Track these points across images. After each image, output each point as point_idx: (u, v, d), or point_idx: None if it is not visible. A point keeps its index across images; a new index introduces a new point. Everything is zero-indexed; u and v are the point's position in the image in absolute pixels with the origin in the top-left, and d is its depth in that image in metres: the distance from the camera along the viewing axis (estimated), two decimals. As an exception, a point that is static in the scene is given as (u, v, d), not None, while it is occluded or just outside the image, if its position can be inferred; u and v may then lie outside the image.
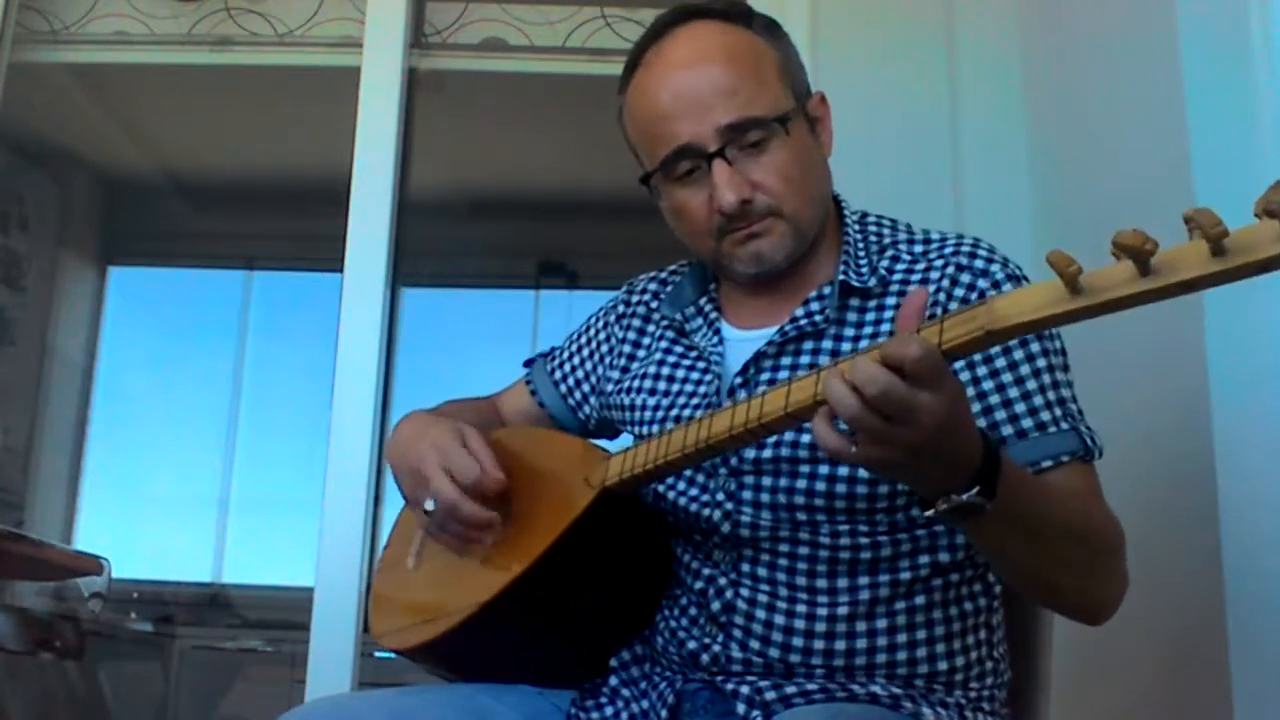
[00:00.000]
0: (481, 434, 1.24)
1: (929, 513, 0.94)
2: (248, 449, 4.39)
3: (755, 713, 1.12)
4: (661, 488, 1.23)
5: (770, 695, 1.13)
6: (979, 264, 1.18)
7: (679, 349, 1.31)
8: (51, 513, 3.96)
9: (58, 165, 3.90)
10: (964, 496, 0.91)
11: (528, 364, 1.51)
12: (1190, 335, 1.48)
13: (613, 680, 1.23)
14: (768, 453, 1.16)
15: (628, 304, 1.42)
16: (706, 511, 1.19)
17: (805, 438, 1.14)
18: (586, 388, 1.43)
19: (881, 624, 1.15)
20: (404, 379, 3.06)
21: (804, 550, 1.16)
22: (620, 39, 2.76)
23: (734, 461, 1.18)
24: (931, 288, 1.17)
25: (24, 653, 3.01)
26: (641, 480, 1.17)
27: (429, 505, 1.20)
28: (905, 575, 1.15)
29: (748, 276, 1.24)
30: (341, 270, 2.45)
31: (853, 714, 1.09)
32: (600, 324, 1.44)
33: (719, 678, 1.16)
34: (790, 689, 1.13)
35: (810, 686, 1.13)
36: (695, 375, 1.28)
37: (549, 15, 2.80)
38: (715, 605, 1.18)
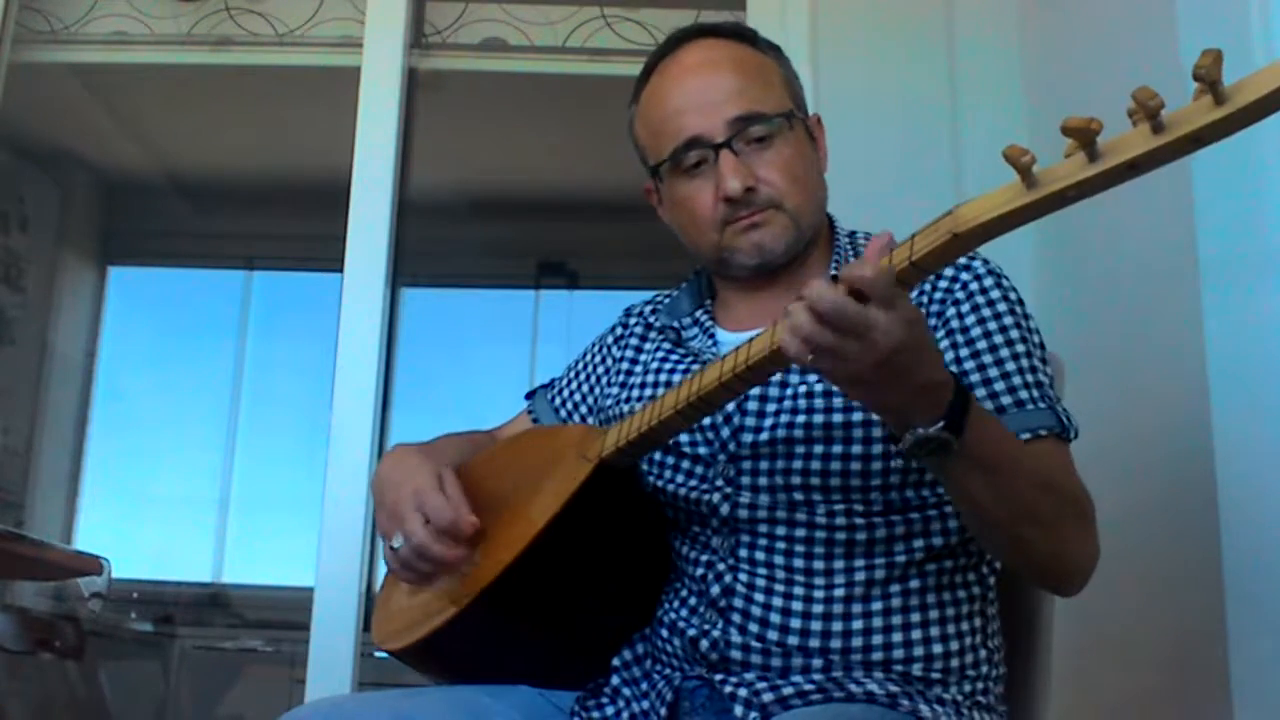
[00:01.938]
0: (457, 478, 1.25)
1: (897, 447, 0.99)
2: (248, 449, 4.38)
3: (753, 714, 1.12)
4: (660, 480, 1.25)
5: (768, 697, 1.13)
6: (960, 259, 1.22)
7: (675, 356, 1.35)
8: (51, 513, 3.96)
9: (58, 165, 3.90)
10: (930, 430, 0.96)
11: (529, 396, 1.54)
12: (1190, 335, 1.48)
13: (614, 680, 1.24)
14: (765, 436, 1.19)
15: (625, 326, 1.46)
16: (706, 497, 1.21)
17: (801, 418, 1.18)
18: (585, 409, 1.45)
19: (877, 606, 1.17)
20: (404, 379, 3.06)
21: (801, 532, 1.18)
22: (620, 39, 2.76)
23: (733, 448, 1.21)
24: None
25: (24, 653, 3.01)
26: (638, 446, 1.19)
27: (396, 543, 1.22)
28: (900, 558, 1.18)
29: (748, 270, 1.28)
30: (341, 270, 2.45)
31: (854, 714, 1.09)
32: (597, 349, 1.48)
33: (717, 677, 1.16)
34: (787, 690, 1.13)
35: (807, 686, 1.14)
36: (691, 377, 1.29)
37: (549, 15, 2.80)
38: (714, 590, 1.19)
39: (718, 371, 1.08)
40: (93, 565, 2.09)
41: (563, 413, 1.47)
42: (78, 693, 3.35)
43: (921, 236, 0.93)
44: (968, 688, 1.18)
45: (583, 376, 1.47)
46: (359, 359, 2.40)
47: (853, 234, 1.35)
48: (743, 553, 1.19)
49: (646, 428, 1.16)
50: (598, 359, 1.47)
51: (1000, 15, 2.35)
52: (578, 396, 1.47)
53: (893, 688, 1.14)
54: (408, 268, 2.70)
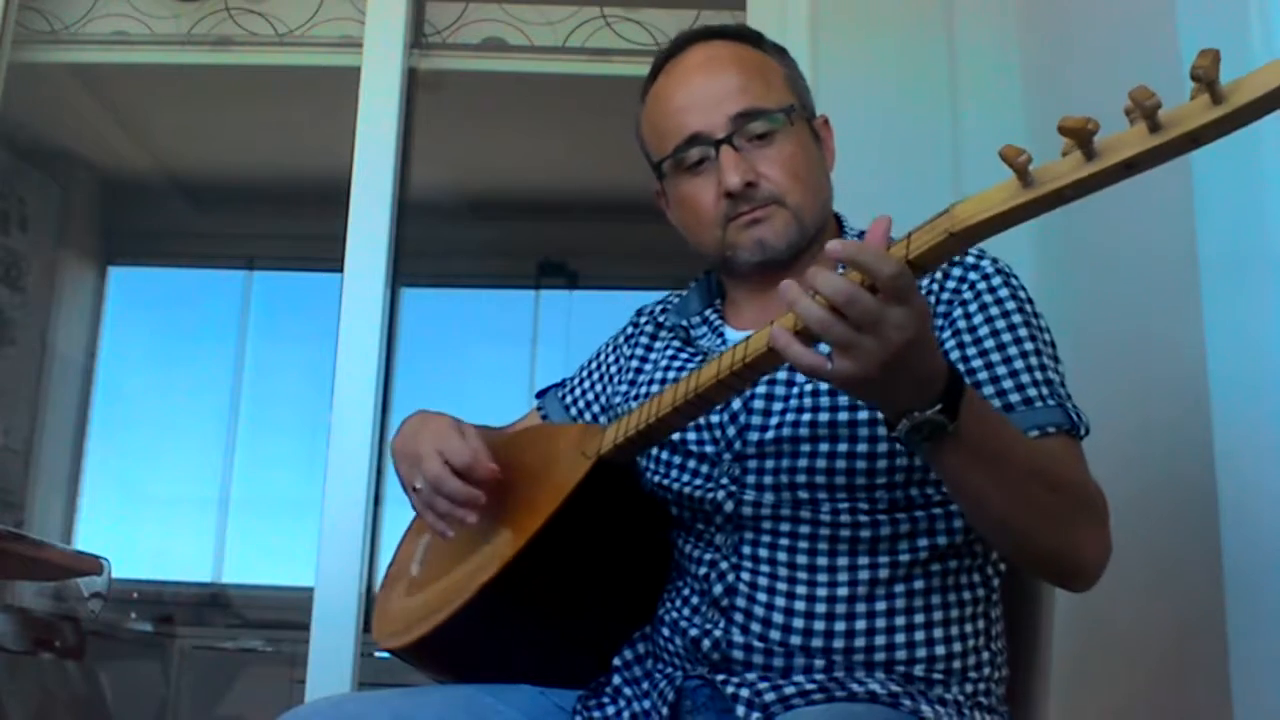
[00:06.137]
0: (479, 431, 1.27)
1: (892, 433, 0.98)
2: (248, 449, 4.38)
3: (755, 714, 1.12)
4: (665, 478, 1.25)
5: (770, 696, 1.13)
6: (969, 259, 1.24)
7: (685, 354, 1.35)
8: (51, 513, 3.96)
9: (58, 165, 3.90)
10: (926, 413, 0.96)
11: (540, 395, 1.54)
12: (1190, 334, 1.48)
13: (615, 679, 1.24)
14: (770, 434, 1.19)
15: (636, 325, 1.46)
16: (711, 495, 1.21)
17: (806, 416, 1.18)
18: (597, 408, 1.46)
19: (880, 606, 1.16)
20: (404, 379, 3.06)
21: (805, 529, 1.18)
22: (620, 39, 2.76)
23: (738, 446, 1.21)
24: (924, 282, 1.20)
25: (24, 653, 3.01)
26: (637, 442, 1.19)
27: (418, 483, 1.24)
28: (904, 557, 1.18)
29: (751, 266, 1.28)
30: (341, 270, 2.45)
31: (857, 714, 1.09)
32: (609, 349, 1.49)
33: (719, 677, 1.16)
34: (789, 689, 1.14)
35: (809, 686, 1.14)
36: (690, 374, 1.29)
37: (549, 15, 2.81)
38: (717, 589, 1.19)
39: (715, 369, 1.08)
40: (93, 565, 2.09)
41: (573, 410, 1.48)
42: (78, 693, 3.35)
43: (919, 235, 0.93)
44: (970, 688, 1.18)
45: (595, 376, 1.48)
46: (359, 359, 2.40)
47: (863, 234, 1.33)
48: (746, 549, 1.20)
49: (645, 425, 1.16)
50: (610, 359, 1.47)
51: (1000, 15, 2.35)
52: (590, 395, 1.47)
53: (894, 687, 1.14)
54: (408, 268, 2.70)
